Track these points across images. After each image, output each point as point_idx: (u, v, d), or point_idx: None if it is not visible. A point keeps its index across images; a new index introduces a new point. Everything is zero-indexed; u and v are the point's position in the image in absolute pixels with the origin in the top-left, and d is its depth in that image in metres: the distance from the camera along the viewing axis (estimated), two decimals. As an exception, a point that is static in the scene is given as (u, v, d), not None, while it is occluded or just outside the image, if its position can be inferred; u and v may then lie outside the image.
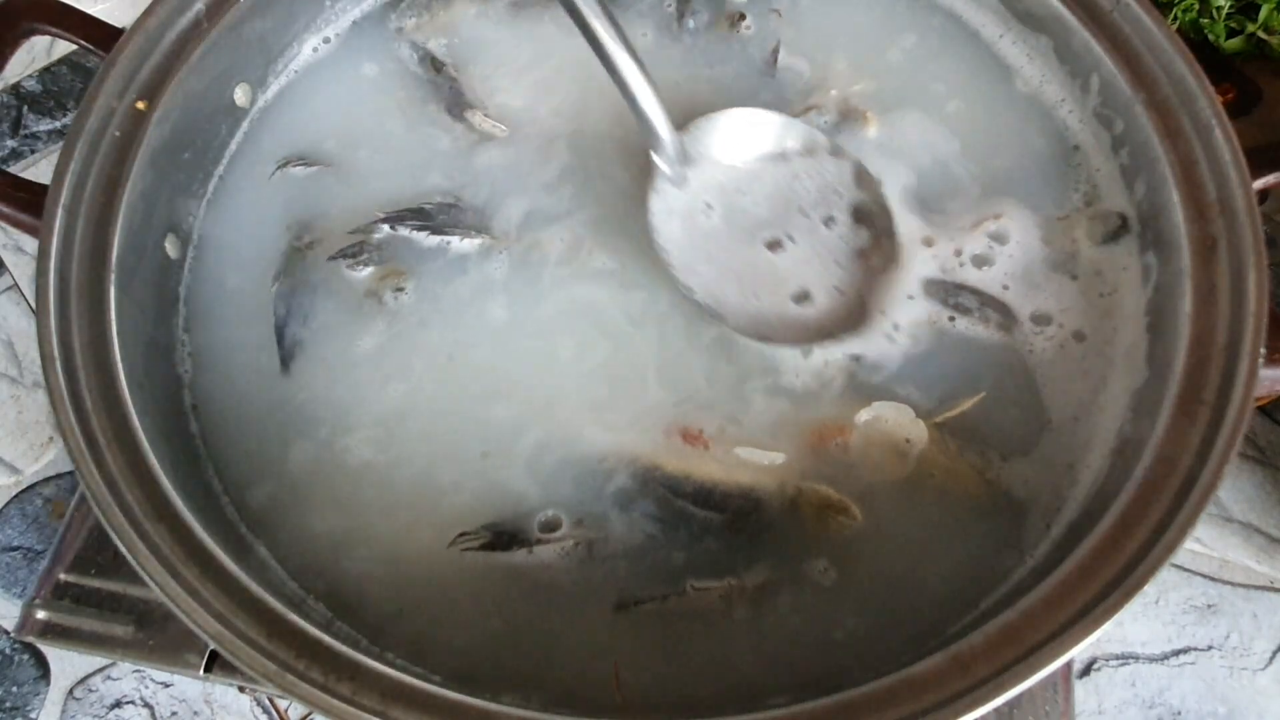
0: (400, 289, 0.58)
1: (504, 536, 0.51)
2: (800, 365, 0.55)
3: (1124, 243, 0.56)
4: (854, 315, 0.55)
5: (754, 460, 0.53)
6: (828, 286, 0.55)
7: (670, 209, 0.57)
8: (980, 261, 0.57)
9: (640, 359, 0.56)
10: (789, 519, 0.51)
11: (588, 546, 0.51)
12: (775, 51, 0.65)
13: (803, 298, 0.55)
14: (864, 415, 0.53)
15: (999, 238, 0.58)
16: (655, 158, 0.56)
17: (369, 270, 0.59)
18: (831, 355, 0.55)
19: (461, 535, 0.51)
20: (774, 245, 0.57)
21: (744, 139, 0.59)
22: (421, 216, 0.59)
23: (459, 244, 0.59)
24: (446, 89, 0.65)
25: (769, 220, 0.58)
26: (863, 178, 0.58)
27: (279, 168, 0.62)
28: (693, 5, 0.67)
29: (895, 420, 0.53)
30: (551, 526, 0.51)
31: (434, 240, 0.59)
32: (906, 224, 0.58)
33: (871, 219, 0.57)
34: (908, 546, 0.51)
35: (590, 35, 0.51)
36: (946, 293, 0.56)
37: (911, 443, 0.52)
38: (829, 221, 0.57)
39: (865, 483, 0.52)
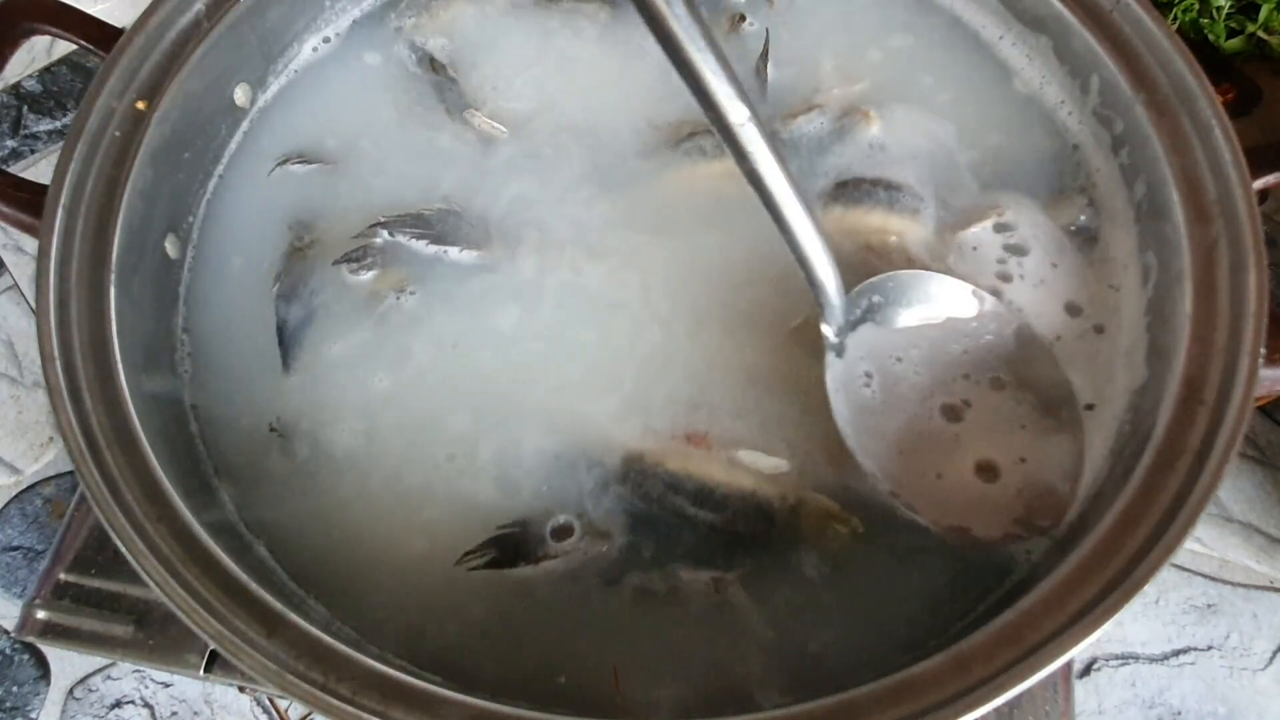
0: (403, 292, 0.58)
1: (508, 552, 0.51)
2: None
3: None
4: (1048, 498, 0.49)
5: (757, 465, 0.53)
6: (1013, 458, 0.50)
7: (836, 382, 0.52)
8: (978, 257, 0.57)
9: (640, 361, 0.56)
10: (789, 524, 0.51)
11: (591, 551, 0.51)
12: (765, 50, 0.64)
13: (987, 470, 0.50)
14: None
15: (1002, 227, 0.58)
16: (824, 327, 0.52)
17: (371, 274, 0.59)
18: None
19: (467, 555, 0.51)
20: (948, 413, 0.51)
21: (902, 303, 0.54)
22: (421, 224, 0.59)
23: (458, 254, 0.59)
24: (446, 89, 0.65)
25: (931, 388, 0.52)
26: (1027, 337, 0.53)
27: (278, 165, 0.62)
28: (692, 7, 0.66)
29: None
30: (564, 533, 0.51)
31: (433, 249, 0.59)
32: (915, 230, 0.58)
33: (1040, 382, 0.52)
34: (906, 554, 0.51)
35: (760, 186, 0.45)
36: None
37: None
38: (996, 384, 0.51)
39: (865, 491, 0.52)
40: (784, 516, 0.51)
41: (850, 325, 0.53)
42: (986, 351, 0.53)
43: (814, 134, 0.62)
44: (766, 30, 0.65)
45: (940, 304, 0.54)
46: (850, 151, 0.61)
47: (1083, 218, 0.59)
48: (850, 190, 0.59)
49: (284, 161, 0.62)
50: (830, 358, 0.52)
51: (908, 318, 0.54)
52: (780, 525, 0.51)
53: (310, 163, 0.62)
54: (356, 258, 0.58)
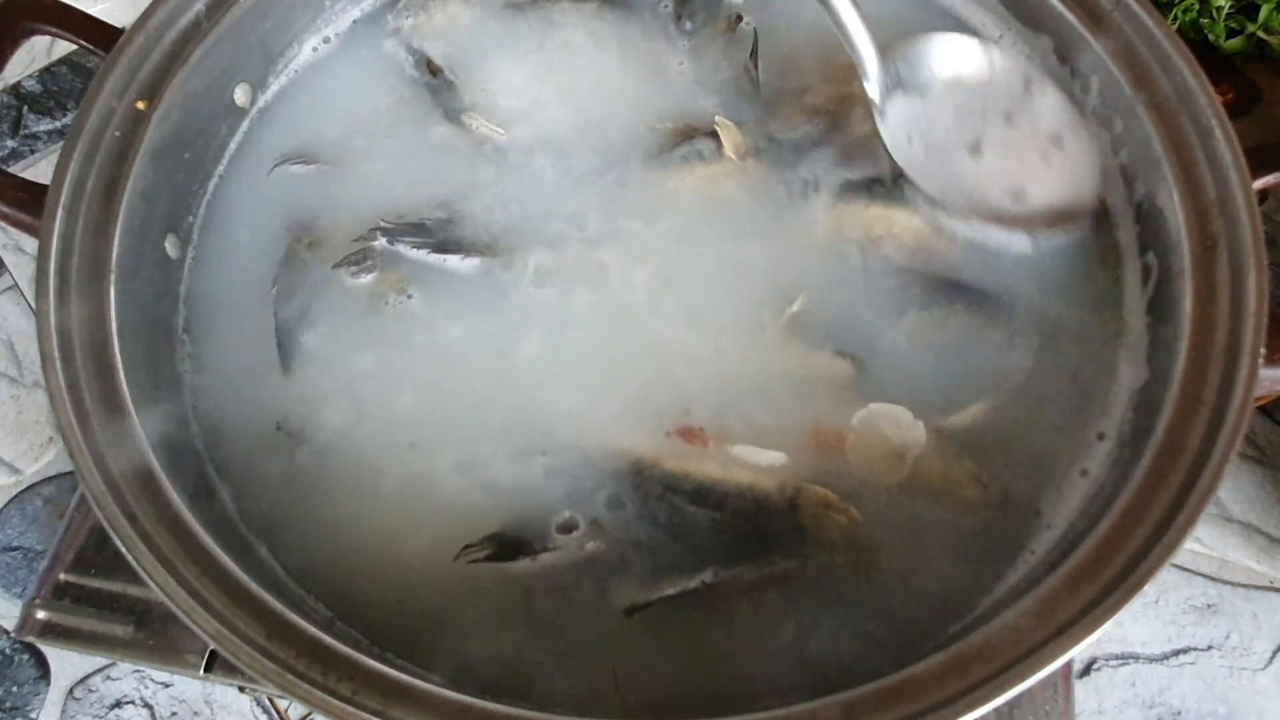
0: (403, 295, 0.58)
1: (509, 547, 0.51)
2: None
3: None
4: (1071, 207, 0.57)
5: (753, 460, 0.53)
6: (1037, 181, 0.58)
7: (890, 139, 0.59)
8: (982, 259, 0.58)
9: (636, 360, 0.56)
10: (787, 518, 0.51)
11: (591, 548, 0.51)
12: (755, 48, 0.64)
13: (1017, 195, 0.58)
14: (860, 416, 0.53)
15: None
16: (867, 86, 0.58)
17: (371, 277, 0.59)
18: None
19: (467, 548, 0.51)
20: (973, 150, 0.59)
21: (925, 68, 0.60)
22: (422, 233, 0.59)
23: (458, 262, 0.59)
24: (444, 91, 0.65)
25: (960, 136, 0.60)
26: (1033, 83, 0.59)
27: (277, 165, 0.62)
28: (690, 6, 0.67)
29: (893, 422, 0.53)
30: (568, 528, 0.51)
31: (433, 258, 0.59)
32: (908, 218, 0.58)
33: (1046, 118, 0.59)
34: (906, 548, 0.51)
35: None
36: (945, 287, 0.56)
37: (909, 445, 0.52)
38: (1010, 119, 0.59)
39: (863, 484, 0.52)
40: (783, 509, 0.51)
41: (888, 89, 0.59)
42: (1000, 96, 0.59)
43: (813, 131, 0.62)
44: (754, 30, 0.65)
45: (955, 62, 0.60)
46: (849, 146, 0.61)
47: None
48: (851, 186, 0.59)
49: (283, 162, 0.62)
50: (878, 121, 0.59)
51: (932, 82, 0.60)
52: (779, 519, 0.51)
53: (309, 163, 0.62)
54: (356, 261, 0.58)
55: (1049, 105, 0.59)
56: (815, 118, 0.62)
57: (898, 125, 0.59)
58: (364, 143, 0.64)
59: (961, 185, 0.58)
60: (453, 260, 0.59)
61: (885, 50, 0.58)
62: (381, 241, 0.59)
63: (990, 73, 0.60)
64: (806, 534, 0.51)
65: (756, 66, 0.64)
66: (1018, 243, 0.57)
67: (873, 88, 0.59)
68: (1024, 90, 0.60)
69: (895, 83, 0.59)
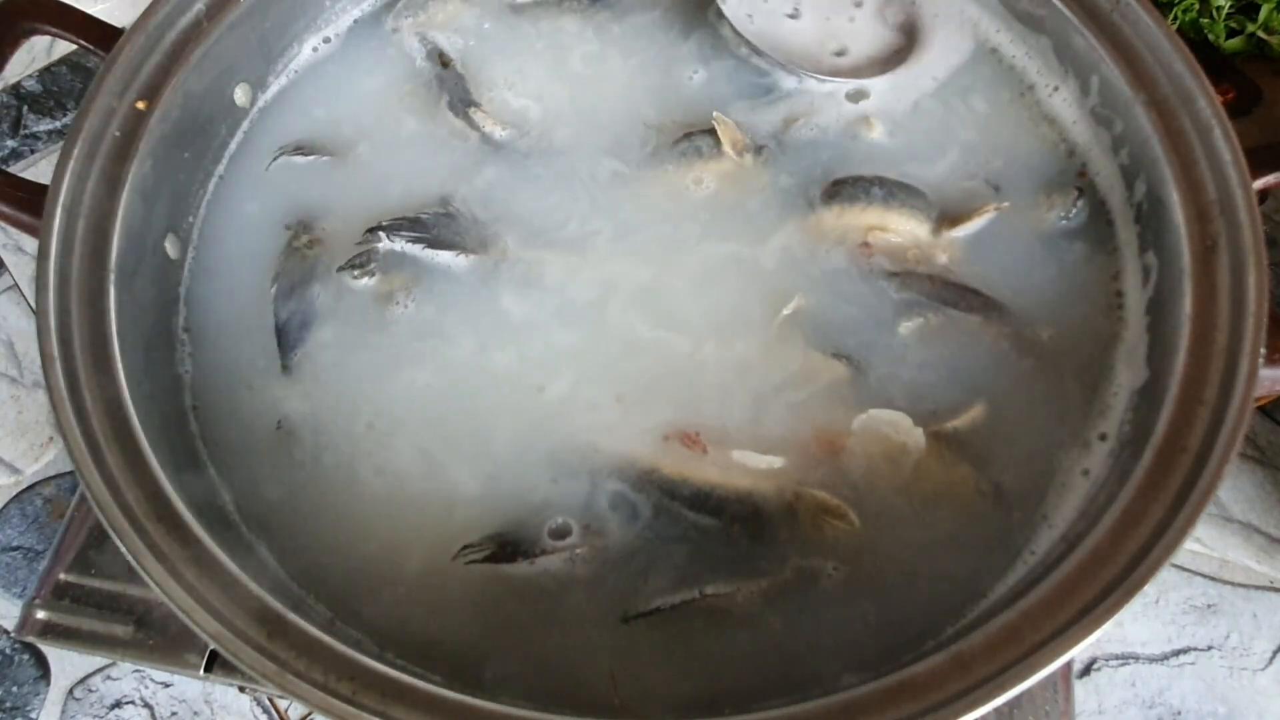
0: (403, 294, 0.58)
1: (507, 548, 0.51)
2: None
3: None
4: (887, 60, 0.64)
5: (752, 464, 0.53)
6: (859, 41, 0.65)
7: (734, 15, 0.65)
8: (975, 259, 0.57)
9: (635, 363, 0.56)
10: (786, 523, 0.51)
11: (588, 553, 0.51)
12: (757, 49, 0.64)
13: (840, 53, 0.65)
14: (859, 421, 0.53)
15: (994, 228, 0.58)
16: None
17: (372, 279, 0.58)
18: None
19: (465, 548, 0.51)
20: (793, 16, 0.66)
21: None
22: (418, 227, 0.59)
23: (455, 259, 0.59)
24: (452, 85, 0.65)
25: (780, 7, 0.67)
26: None
27: (277, 156, 0.62)
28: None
29: (891, 426, 0.53)
30: (561, 534, 0.51)
31: (429, 254, 0.59)
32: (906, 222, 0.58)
33: None
34: (905, 550, 0.51)
35: None
36: (942, 289, 0.56)
37: (908, 449, 0.52)
38: None
39: (862, 488, 0.52)
40: (781, 514, 0.51)
41: None
42: None
43: (812, 134, 0.62)
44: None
45: None
46: (847, 149, 0.61)
47: (1074, 210, 0.58)
48: (847, 188, 0.59)
49: (283, 153, 0.62)
50: (722, 5, 0.65)
51: None
52: (778, 523, 0.51)
53: (309, 154, 0.62)
54: (359, 264, 0.58)
55: None
56: (819, 118, 0.62)
57: (738, 7, 0.66)
58: (364, 142, 0.64)
59: (792, 47, 0.65)
60: (446, 256, 0.59)
61: None
62: (384, 243, 0.59)
63: None
64: (805, 538, 0.51)
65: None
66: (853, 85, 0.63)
67: None
68: None
69: None
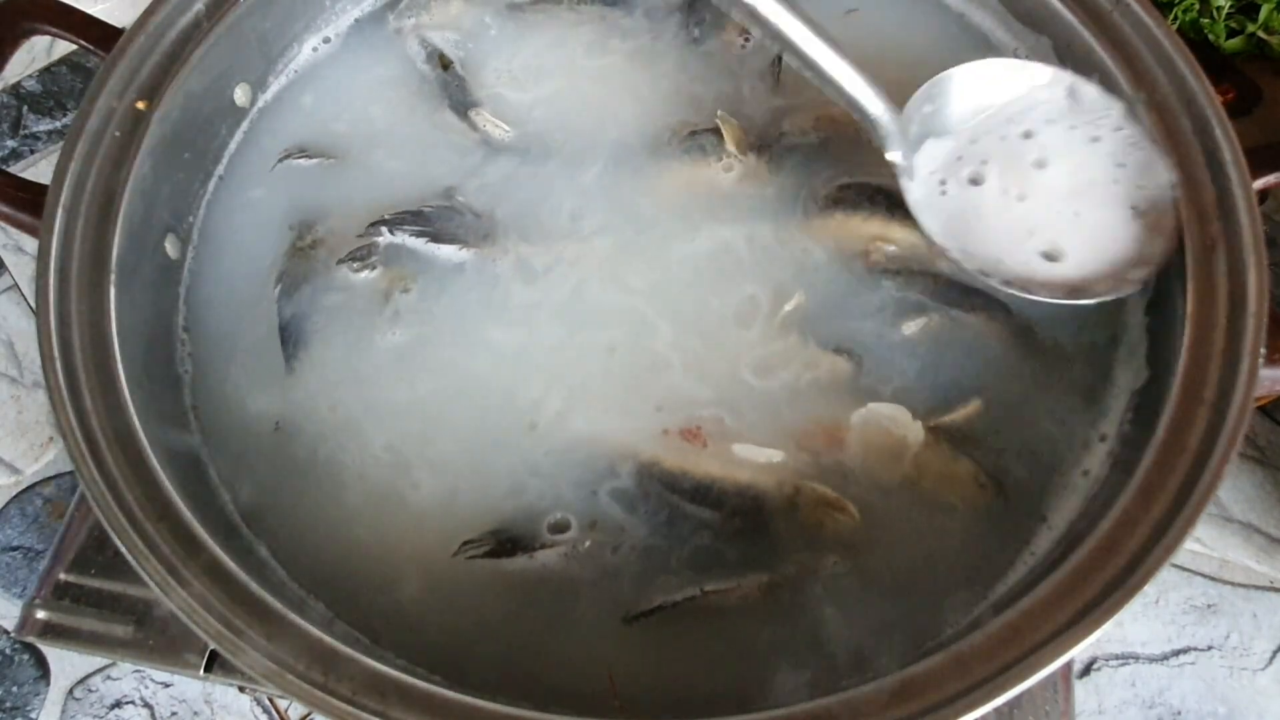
0: (405, 291, 0.58)
1: (507, 543, 0.51)
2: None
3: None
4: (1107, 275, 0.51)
5: (752, 458, 0.53)
6: (1075, 243, 0.52)
7: (918, 204, 0.55)
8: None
9: (636, 358, 0.56)
10: (787, 517, 0.51)
11: (588, 548, 0.51)
12: (777, 60, 0.64)
13: (1052, 257, 0.52)
14: (859, 415, 0.53)
15: None
16: (889, 156, 0.54)
17: (374, 273, 0.59)
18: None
19: (466, 544, 0.51)
20: (1018, 199, 0.54)
21: (952, 103, 0.55)
22: (420, 221, 0.59)
23: (457, 253, 0.59)
24: (453, 86, 0.65)
25: (1001, 174, 0.54)
26: (1081, 93, 0.54)
27: (281, 159, 0.62)
28: (697, 14, 0.66)
29: (892, 421, 0.53)
30: (560, 528, 0.51)
31: (431, 248, 0.59)
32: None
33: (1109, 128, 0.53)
34: (905, 546, 0.51)
35: (776, 32, 0.49)
36: (945, 288, 0.56)
37: (908, 443, 0.52)
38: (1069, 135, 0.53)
39: (862, 482, 0.52)
40: (782, 507, 0.51)
41: (914, 145, 0.54)
42: (1045, 118, 0.54)
43: (817, 139, 0.62)
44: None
45: (987, 90, 0.55)
46: (851, 156, 0.61)
47: None
48: (851, 195, 0.59)
49: (287, 156, 0.62)
50: (905, 183, 0.55)
51: (961, 116, 0.55)
52: (778, 517, 0.51)
53: (312, 157, 0.62)
54: (360, 257, 0.58)
55: (1101, 126, 0.52)
56: (827, 126, 0.62)
57: (928, 180, 0.54)
58: (364, 141, 0.64)
59: (996, 240, 0.52)
60: (448, 250, 0.59)
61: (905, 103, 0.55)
62: (384, 237, 0.59)
63: (1029, 93, 0.54)
64: (805, 532, 0.51)
65: (779, 72, 0.64)
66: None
67: (895, 153, 0.54)
68: (1069, 103, 0.53)
69: (922, 136, 0.55)
